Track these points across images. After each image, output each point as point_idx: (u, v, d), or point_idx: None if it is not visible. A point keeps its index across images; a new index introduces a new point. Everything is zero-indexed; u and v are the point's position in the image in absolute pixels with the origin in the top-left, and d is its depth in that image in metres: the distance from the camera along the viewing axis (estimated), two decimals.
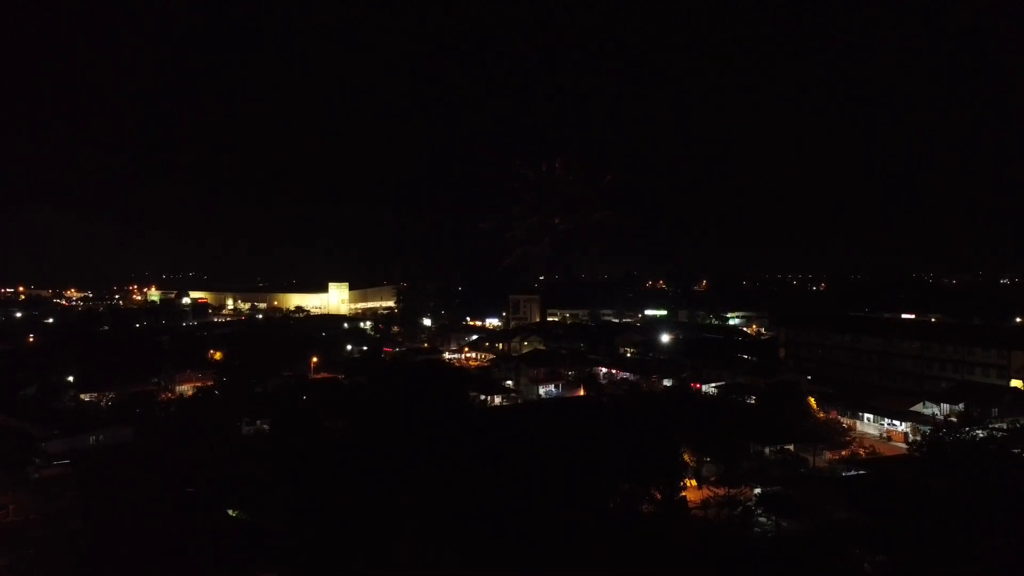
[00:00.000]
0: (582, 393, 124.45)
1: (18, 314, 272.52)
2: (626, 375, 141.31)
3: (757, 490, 66.37)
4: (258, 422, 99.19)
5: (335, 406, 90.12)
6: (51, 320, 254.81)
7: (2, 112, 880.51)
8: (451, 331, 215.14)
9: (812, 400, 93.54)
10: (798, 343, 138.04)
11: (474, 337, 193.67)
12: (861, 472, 70.88)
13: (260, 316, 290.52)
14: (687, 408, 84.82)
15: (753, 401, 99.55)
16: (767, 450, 79.24)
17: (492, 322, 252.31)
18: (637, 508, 55.70)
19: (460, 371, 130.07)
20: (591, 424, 73.50)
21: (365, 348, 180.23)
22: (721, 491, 62.29)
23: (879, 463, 74.90)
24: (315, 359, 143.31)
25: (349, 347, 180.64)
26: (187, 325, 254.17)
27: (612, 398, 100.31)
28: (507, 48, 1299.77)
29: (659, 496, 59.71)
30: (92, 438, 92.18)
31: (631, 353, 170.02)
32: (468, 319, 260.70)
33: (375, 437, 61.51)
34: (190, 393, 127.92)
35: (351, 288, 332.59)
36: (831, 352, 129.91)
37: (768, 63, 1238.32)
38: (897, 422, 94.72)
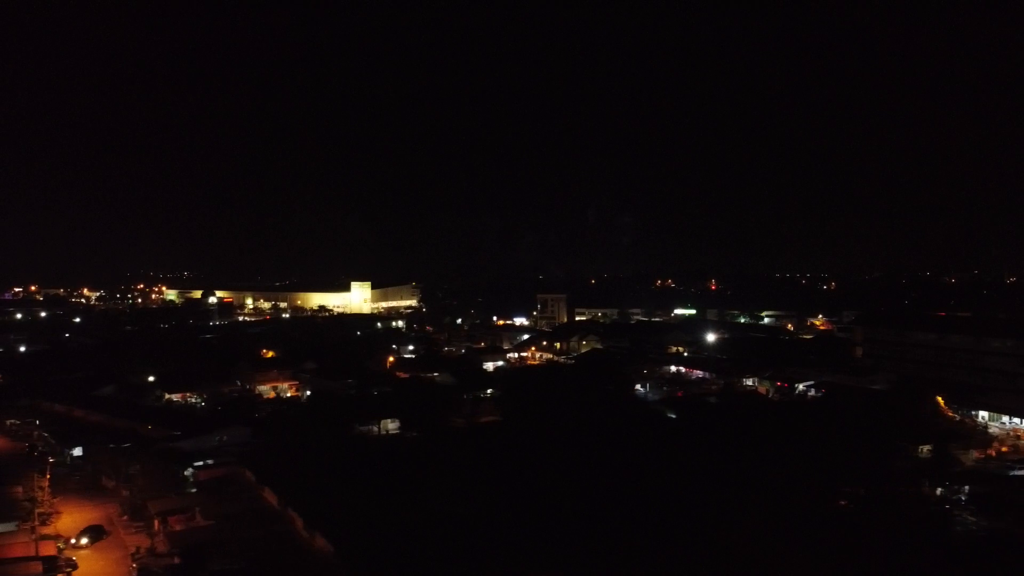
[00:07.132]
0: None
1: (42, 313, 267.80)
2: (700, 374, 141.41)
3: (939, 489, 66.62)
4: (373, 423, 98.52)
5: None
6: (78, 319, 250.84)
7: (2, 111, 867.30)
8: (487, 330, 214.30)
9: (940, 399, 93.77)
10: (875, 341, 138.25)
11: (525, 336, 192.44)
12: None
13: (286, 315, 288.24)
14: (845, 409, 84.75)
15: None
16: (921, 449, 79.36)
17: (520, 320, 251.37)
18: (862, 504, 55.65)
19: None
20: (771, 424, 73.44)
21: (412, 348, 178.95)
22: (926, 489, 62.27)
23: None
24: (391, 359, 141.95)
25: (395, 346, 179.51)
26: (214, 324, 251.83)
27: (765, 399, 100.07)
28: (515, 51, 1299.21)
29: (865, 492, 59.91)
30: (216, 438, 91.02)
31: (686, 352, 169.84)
32: (495, 318, 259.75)
33: (583, 433, 60.87)
34: (271, 394, 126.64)
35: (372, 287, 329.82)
36: (912, 351, 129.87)
37: (767, 64, 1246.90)
38: (1018, 420, 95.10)
